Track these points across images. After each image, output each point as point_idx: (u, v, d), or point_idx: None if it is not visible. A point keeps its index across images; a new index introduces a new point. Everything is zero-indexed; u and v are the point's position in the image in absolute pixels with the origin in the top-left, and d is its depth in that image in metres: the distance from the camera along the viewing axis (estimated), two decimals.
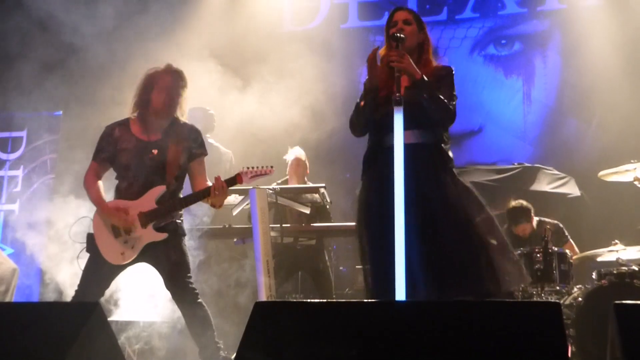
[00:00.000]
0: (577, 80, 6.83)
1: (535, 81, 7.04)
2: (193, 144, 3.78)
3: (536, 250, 4.84)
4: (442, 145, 3.27)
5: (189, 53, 5.69)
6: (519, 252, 5.11)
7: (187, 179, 3.85)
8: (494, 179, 6.65)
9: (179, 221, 3.78)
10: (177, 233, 3.72)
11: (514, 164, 6.74)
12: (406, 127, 3.09)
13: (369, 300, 2.64)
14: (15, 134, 6.06)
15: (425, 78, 3.17)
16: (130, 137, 3.74)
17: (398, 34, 3.22)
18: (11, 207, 5.94)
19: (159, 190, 3.66)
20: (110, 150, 3.76)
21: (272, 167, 3.89)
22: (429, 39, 3.45)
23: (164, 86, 3.73)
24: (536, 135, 6.93)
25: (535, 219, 5.60)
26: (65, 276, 4.32)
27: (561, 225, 5.64)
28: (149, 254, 3.67)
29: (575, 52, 6.86)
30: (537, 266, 4.77)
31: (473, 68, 7.20)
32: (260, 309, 2.77)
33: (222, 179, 3.70)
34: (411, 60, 3.17)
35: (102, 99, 4.99)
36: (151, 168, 3.68)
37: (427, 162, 3.19)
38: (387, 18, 3.48)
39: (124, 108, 4.56)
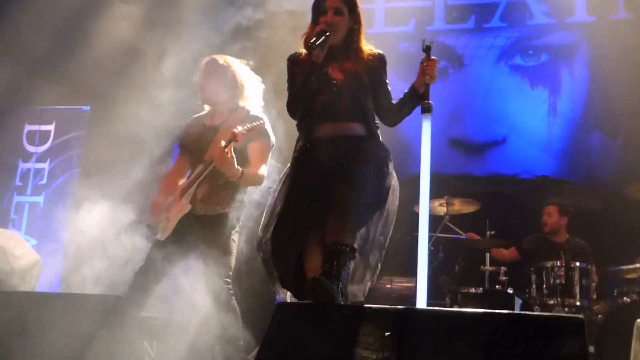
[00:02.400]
0: (604, 94, 6.75)
1: (561, 93, 6.98)
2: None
3: (558, 264, 4.81)
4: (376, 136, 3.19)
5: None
6: (540, 265, 5.10)
7: None
8: (516, 191, 6.62)
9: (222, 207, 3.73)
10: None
11: (537, 177, 6.69)
12: (344, 119, 3.10)
13: (393, 307, 2.64)
14: (43, 127, 6.15)
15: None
16: (198, 124, 3.92)
17: (314, 42, 3.02)
18: (37, 199, 6.02)
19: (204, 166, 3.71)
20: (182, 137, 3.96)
21: (262, 120, 3.76)
22: (361, 21, 3.25)
23: (201, 77, 3.89)
24: (560, 149, 6.87)
25: (567, 235, 5.63)
26: (86, 269, 4.36)
27: (588, 247, 5.61)
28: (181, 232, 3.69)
29: (603, 65, 6.78)
30: (558, 281, 4.74)
31: (499, 78, 7.15)
32: (282, 310, 2.78)
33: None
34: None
35: (129, 97, 5.03)
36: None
37: (362, 153, 3.08)
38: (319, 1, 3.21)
39: (150, 106, 4.63)
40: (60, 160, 6.12)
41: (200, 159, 3.80)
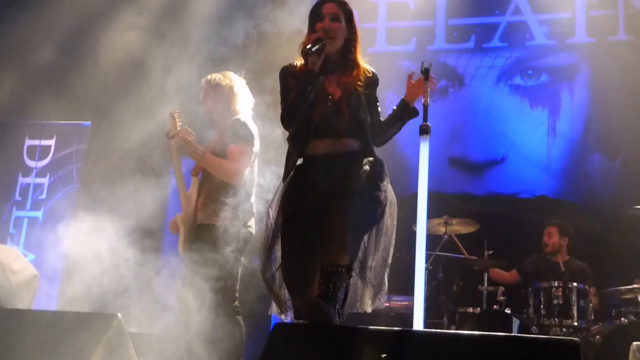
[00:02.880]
0: (604, 115, 6.78)
1: (560, 114, 7.01)
2: (229, 134, 3.94)
3: (555, 284, 4.81)
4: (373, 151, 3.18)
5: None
6: (537, 286, 5.10)
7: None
8: (515, 210, 6.63)
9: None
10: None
11: (536, 196, 6.70)
12: (339, 135, 3.08)
13: (389, 328, 2.64)
14: (44, 142, 6.17)
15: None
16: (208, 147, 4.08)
17: (310, 49, 3.00)
18: (36, 214, 6.03)
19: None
20: None
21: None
22: (357, 33, 3.22)
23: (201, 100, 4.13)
24: (560, 169, 6.88)
25: (568, 256, 5.63)
26: (85, 285, 4.36)
27: (588, 269, 5.62)
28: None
29: (602, 86, 6.82)
30: (555, 301, 4.74)
31: (498, 97, 7.18)
32: (279, 330, 2.78)
33: None
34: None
35: (129, 112, 5.05)
36: None
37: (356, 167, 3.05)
38: (317, 7, 3.18)
39: (151, 121, 4.66)
40: (60, 175, 6.14)
41: None
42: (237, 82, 4.13)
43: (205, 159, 3.89)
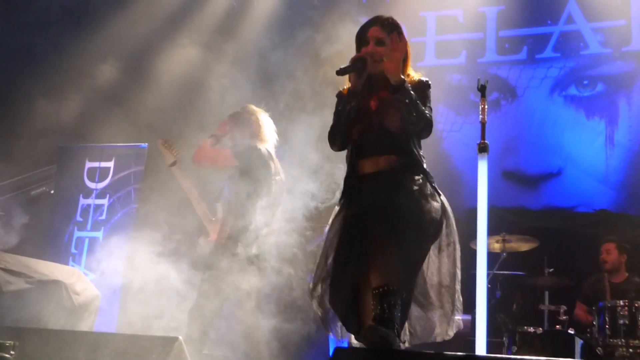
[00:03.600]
0: None
1: (619, 123, 6.82)
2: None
3: (621, 304, 4.65)
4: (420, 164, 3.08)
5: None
6: (601, 305, 4.94)
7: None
8: (574, 225, 6.46)
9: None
10: None
11: (595, 210, 6.52)
12: (382, 152, 3.01)
13: (452, 353, 2.59)
14: (103, 164, 6.33)
15: (406, 85, 2.98)
16: None
17: (343, 68, 3.00)
18: (96, 234, 6.18)
19: None
20: None
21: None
22: (408, 53, 3.18)
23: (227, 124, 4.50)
24: (619, 180, 6.69)
25: (627, 274, 5.45)
26: (144, 305, 4.43)
27: None
28: None
29: None
30: (621, 321, 4.58)
31: (553, 109, 7.05)
32: (339, 355, 2.76)
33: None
34: (391, 63, 2.98)
35: (186, 134, 5.15)
36: None
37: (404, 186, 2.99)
38: (363, 30, 3.16)
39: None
40: (119, 196, 6.29)
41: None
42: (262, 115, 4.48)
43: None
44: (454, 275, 3.06)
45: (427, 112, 3.04)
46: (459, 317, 5.27)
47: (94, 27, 6.78)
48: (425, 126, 3.04)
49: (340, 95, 3.20)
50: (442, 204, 3.06)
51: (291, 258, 4.37)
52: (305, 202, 4.40)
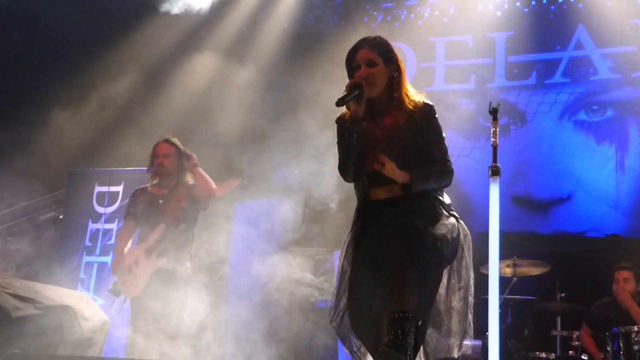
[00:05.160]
0: None
1: (629, 149, 6.80)
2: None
3: (635, 329, 4.58)
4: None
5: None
6: (615, 330, 4.87)
7: None
8: (584, 250, 6.40)
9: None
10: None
11: (606, 235, 6.47)
12: (390, 180, 2.93)
13: None
14: (112, 188, 6.36)
15: (414, 176, 2.91)
16: (146, 193, 4.78)
17: (342, 99, 2.89)
18: (105, 259, 6.18)
19: (160, 227, 4.57)
20: (133, 206, 4.77)
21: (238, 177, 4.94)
22: (402, 69, 3.06)
23: (157, 152, 4.74)
24: (630, 205, 6.64)
25: (638, 299, 5.37)
26: (149, 329, 4.40)
27: None
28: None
29: None
30: (636, 347, 4.51)
31: (563, 134, 7.03)
32: None
33: None
34: (391, 168, 2.88)
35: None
36: (159, 213, 4.61)
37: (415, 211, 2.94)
38: (351, 54, 3.05)
39: (210, 166, 4.80)
40: None
41: (149, 221, 4.62)
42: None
43: None
44: (465, 300, 3.02)
45: (443, 162, 3.02)
46: (468, 342, 5.22)
47: (102, 53, 6.86)
48: (446, 182, 3.04)
49: (340, 121, 3.11)
50: (459, 228, 3.02)
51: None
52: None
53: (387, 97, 3.05)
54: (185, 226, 4.67)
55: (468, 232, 3.07)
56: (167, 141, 4.78)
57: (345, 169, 3.03)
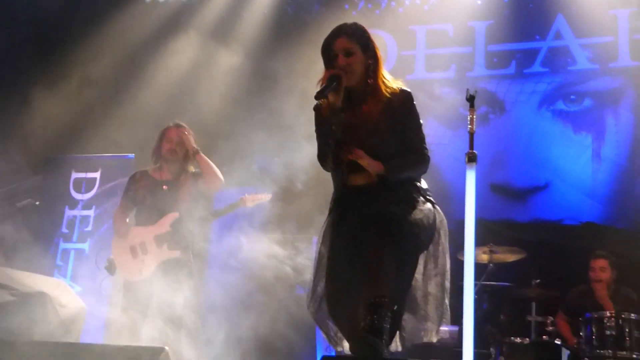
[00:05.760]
0: None
1: (605, 138, 6.87)
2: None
3: (607, 315, 4.65)
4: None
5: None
6: (588, 316, 4.95)
7: None
8: (560, 238, 6.48)
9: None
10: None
11: (582, 223, 6.55)
12: (364, 169, 2.97)
13: None
14: (90, 175, 6.30)
15: (388, 167, 2.95)
16: (147, 177, 4.68)
17: (320, 92, 2.92)
18: (82, 246, 6.14)
19: (173, 216, 4.49)
20: (132, 189, 4.68)
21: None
22: (379, 57, 3.08)
23: (169, 137, 4.64)
24: (606, 194, 6.73)
25: (613, 286, 5.46)
26: (131, 317, 4.38)
27: (635, 297, 5.43)
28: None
29: None
30: (608, 332, 4.58)
31: (541, 123, 7.08)
32: None
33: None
34: (365, 159, 2.94)
35: None
36: (164, 199, 4.52)
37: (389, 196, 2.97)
38: (328, 43, 3.06)
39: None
40: (106, 207, 6.25)
41: (154, 206, 4.53)
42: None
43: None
44: (442, 285, 3.05)
45: (419, 149, 3.05)
46: (445, 328, 5.29)
47: (80, 38, 6.78)
48: (423, 169, 3.09)
49: (318, 110, 3.12)
50: (436, 214, 3.06)
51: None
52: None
53: (364, 85, 3.06)
54: (194, 216, 4.60)
55: (444, 217, 3.11)
56: (180, 126, 4.71)
57: (325, 159, 3.05)
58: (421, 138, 3.10)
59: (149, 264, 4.43)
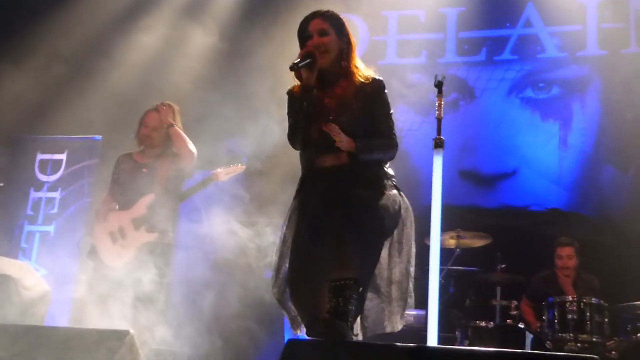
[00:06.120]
0: (616, 127, 6.75)
1: (572, 126, 6.97)
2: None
3: (569, 299, 4.75)
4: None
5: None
6: (551, 300, 5.05)
7: None
8: (526, 224, 6.58)
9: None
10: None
11: (547, 209, 6.66)
12: (337, 148, 3.00)
13: (404, 345, 2.60)
14: (55, 156, 6.20)
15: (359, 145, 2.97)
16: (129, 160, 4.62)
17: (297, 63, 2.96)
18: (47, 229, 6.04)
19: (149, 198, 4.44)
20: (116, 172, 4.65)
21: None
22: (352, 43, 3.15)
23: (146, 122, 4.59)
24: (571, 181, 6.85)
25: (575, 272, 5.57)
26: (93, 299, 4.35)
27: (598, 282, 5.55)
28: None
29: (614, 99, 6.79)
30: (570, 316, 4.68)
31: (509, 110, 7.16)
32: (292, 347, 2.75)
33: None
34: (337, 134, 2.95)
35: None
36: (143, 181, 4.46)
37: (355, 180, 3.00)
38: (303, 24, 3.14)
39: None
40: (72, 189, 6.16)
41: (132, 189, 4.48)
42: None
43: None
44: (406, 271, 3.08)
45: (389, 135, 3.07)
46: (412, 312, 5.34)
47: (45, 16, 6.62)
48: (391, 155, 3.11)
49: (291, 93, 3.16)
50: (401, 201, 3.08)
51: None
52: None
53: (337, 68, 3.10)
54: (171, 196, 4.57)
55: (409, 205, 3.14)
56: (159, 108, 4.63)
57: (294, 135, 3.08)
58: (390, 125, 3.13)
59: (128, 248, 4.40)
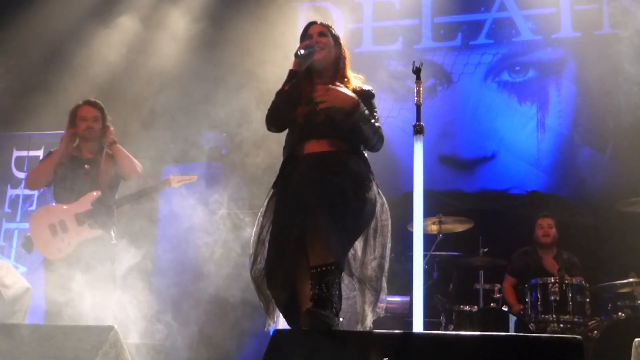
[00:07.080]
0: (591, 108, 6.81)
1: (549, 109, 7.03)
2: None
3: (552, 280, 4.81)
4: (360, 153, 3.19)
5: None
6: (533, 282, 5.10)
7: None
8: (507, 207, 6.64)
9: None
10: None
11: (527, 192, 6.71)
12: (328, 136, 3.07)
13: (391, 332, 2.62)
14: (32, 153, 6.12)
15: (359, 105, 3.06)
16: (68, 154, 4.53)
17: (300, 51, 3.15)
18: (26, 226, 5.95)
19: (94, 194, 4.43)
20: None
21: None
22: (346, 54, 3.35)
23: (84, 116, 4.54)
24: (550, 163, 6.91)
25: (555, 250, 5.63)
26: (77, 298, 4.30)
27: (577, 261, 5.62)
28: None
29: (589, 80, 6.85)
30: (552, 297, 4.74)
31: (487, 94, 7.19)
32: (278, 337, 2.76)
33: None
34: (338, 90, 3.07)
35: (116, 121, 5.02)
36: (85, 178, 4.44)
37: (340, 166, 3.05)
38: (304, 30, 3.38)
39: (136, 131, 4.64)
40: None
41: (67, 185, 4.45)
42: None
43: None
44: (379, 266, 3.11)
45: (377, 124, 3.15)
46: (398, 299, 5.36)
47: (18, 9, 6.50)
48: (379, 140, 3.17)
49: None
50: (377, 196, 3.13)
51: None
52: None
53: (332, 73, 3.25)
54: (112, 193, 4.59)
55: (385, 201, 3.19)
56: (92, 104, 4.61)
57: (273, 113, 3.17)
58: (377, 126, 3.19)
59: (69, 243, 4.39)
